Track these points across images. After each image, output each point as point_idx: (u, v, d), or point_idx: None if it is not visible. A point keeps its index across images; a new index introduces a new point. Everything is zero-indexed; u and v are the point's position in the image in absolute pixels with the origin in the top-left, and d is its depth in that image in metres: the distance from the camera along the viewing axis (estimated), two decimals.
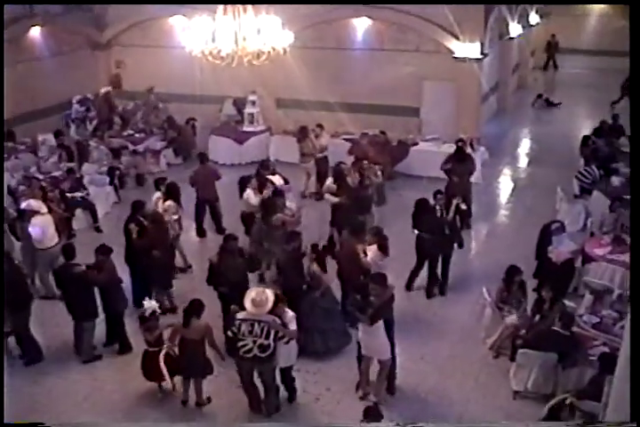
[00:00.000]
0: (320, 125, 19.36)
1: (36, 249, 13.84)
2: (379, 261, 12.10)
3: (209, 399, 10.86)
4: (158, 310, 10.86)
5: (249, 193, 14.96)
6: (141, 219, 13.44)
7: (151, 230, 13.19)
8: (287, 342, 10.12)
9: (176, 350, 10.65)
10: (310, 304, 11.56)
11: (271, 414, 10.54)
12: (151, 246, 13.00)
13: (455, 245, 14.15)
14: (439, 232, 13.57)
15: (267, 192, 14.70)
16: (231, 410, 10.73)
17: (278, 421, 10.42)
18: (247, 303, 9.97)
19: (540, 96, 29.15)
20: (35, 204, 14.03)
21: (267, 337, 9.87)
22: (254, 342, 9.90)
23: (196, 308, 10.49)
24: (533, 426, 9.68)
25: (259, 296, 9.96)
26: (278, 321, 10.02)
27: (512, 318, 11.62)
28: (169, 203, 14.35)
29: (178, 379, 10.82)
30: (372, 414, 8.67)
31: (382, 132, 19.77)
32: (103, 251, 11.92)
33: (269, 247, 13.40)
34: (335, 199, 15.08)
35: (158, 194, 14.87)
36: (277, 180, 15.43)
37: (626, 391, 5.90)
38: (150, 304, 10.83)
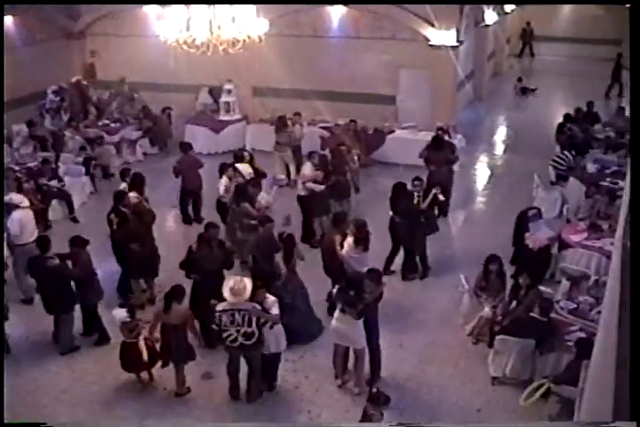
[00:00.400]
0: (298, 113, 19.33)
1: (14, 245, 13.60)
2: (353, 255, 11.97)
3: (188, 389, 10.85)
4: (127, 319, 10.74)
5: (221, 181, 14.91)
6: (123, 209, 13.34)
7: (131, 222, 13.09)
8: (271, 327, 10.13)
9: (156, 335, 10.64)
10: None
11: (253, 400, 10.56)
12: (130, 238, 12.91)
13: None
14: (413, 218, 13.61)
15: (235, 181, 14.64)
16: (210, 398, 10.72)
17: (258, 408, 10.43)
18: (226, 293, 9.98)
19: (520, 80, 29.22)
20: (16, 197, 13.89)
21: (249, 325, 9.89)
22: (238, 331, 9.93)
23: (177, 293, 10.49)
24: (538, 426, 9.76)
25: (236, 285, 9.97)
26: (259, 307, 10.02)
27: (487, 311, 11.66)
28: (132, 194, 14.26)
29: (157, 368, 10.82)
30: (378, 398, 8.66)
31: (352, 121, 19.66)
32: (78, 243, 11.84)
33: (242, 236, 13.39)
34: (321, 187, 14.92)
35: (124, 184, 14.78)
36: (245, 168, 15.29)
37: (602, 376, 5.94)
38: (119, 313, 10.85)
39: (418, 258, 14.13)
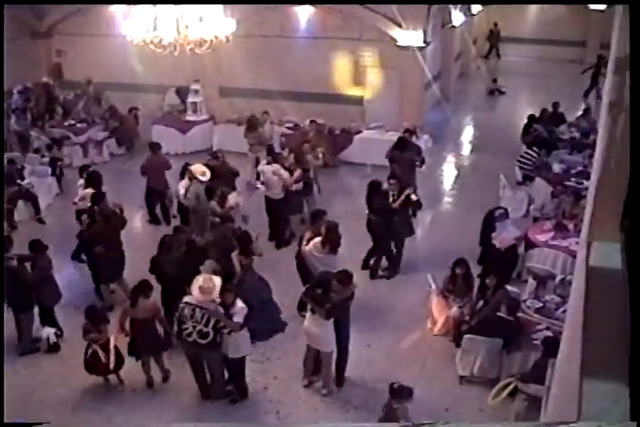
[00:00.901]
0: (266, 112, 19.36)
1: None
2: (316, 254, 11.93)
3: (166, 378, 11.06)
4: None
5: (181, 183, 14.90)
6: (96, 211, 13.29)
7: (97, 225, 13.00)
8: (229, 333, 10.06)
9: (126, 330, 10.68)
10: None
11: (217, 399, 10.58)
12: (95, 241, 12.84)
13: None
14: (387, 216, 13.66)
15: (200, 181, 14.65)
16: (179, 398, 10.69)
17: (225, 409, 10.42)
18: (194, 290, 9.98)
19: (495, 80, 29.35)
20: None
21: (206, 324, 9.90)
22: (194, 327, 9.96)
23: (142, 288, 10.57)
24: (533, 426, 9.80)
25: (206, 283, 9.98)
26: (221, 311, 9.98)
27: (454, 311, 11.73)
28: (87, 191, 14.18)
29: (125, 369, 10.78)
30: (401, 392, 8.75)
31: (313, 121, 19.64)
32: (36, 247, 11.78)
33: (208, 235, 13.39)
34: (299, 186, 15.15)
35: (81, 181, 14.71)
36: (197, 168, 15.01)
37: (568, 374, 5.99)
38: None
39: (389, 257, 14.22)
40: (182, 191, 14.73)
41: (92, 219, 13.11)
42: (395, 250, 14.30)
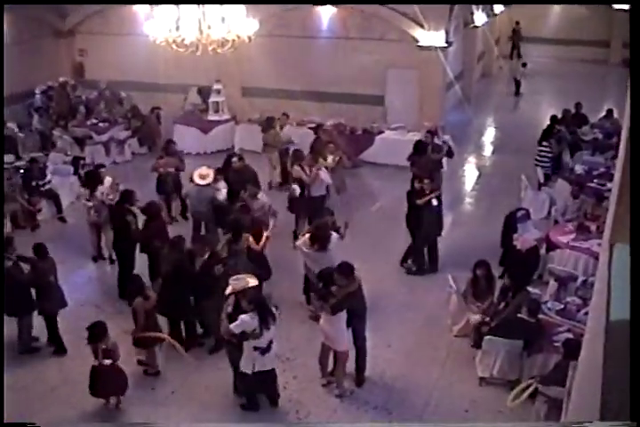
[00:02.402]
0: (285, 115, 19.33)
1: None
2: (305, 250, 11.95)
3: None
4: None
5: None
6: (132, 208, 13.33)
7: (153, 221, 13.07)
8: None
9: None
10: None
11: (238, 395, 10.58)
12: (153, 236, 12.79)
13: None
14: (417, 213, 13.94)
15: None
16: (197, 398, 10.73)
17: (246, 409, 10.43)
18: (231, 282, 10.00)
19: (517, 81, 29.32)
20: None
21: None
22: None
23: (136, 286, 10.94)
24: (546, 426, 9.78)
25: (236, 280, 9.96)
26: (228, 310, 9.90)
27: (475, 312, 11.67)
28: (82, 190, 14.27)
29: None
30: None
31: (318, 125, 19.67)
32: (38, 251, 11.57)
33: None
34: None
35: (108, 179, 14.80)
36: (199, 172, 14.81)
37: (589, 376, 5.96)
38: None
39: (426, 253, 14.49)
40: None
41: (134, 216, 13.13)
42: (426, 248, 14.40)
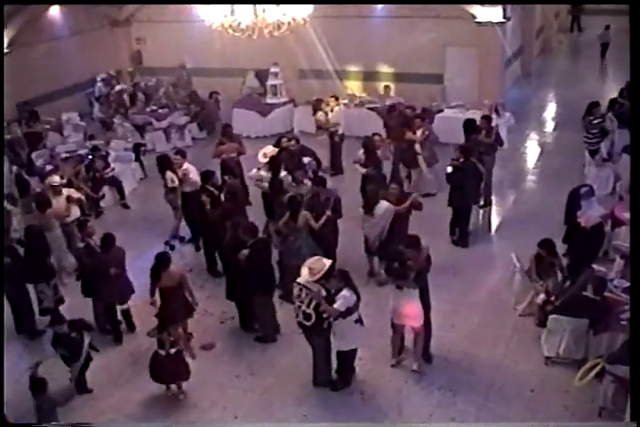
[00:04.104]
0: (335, 97, 19.23)
1: (67, 225, 13.88)
2: (361, 213, 12.99)
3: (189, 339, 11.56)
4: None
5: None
6: (212, 189, 13.44)
7: (227, 201, 13.22)
8: (331, 319, 9.88)
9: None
10: None
11: (316, 384, 10.58)
12: (227, 216, 12.73)
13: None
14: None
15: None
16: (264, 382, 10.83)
17: (311, 390, 10.49)
18: (304, 269, 10.02)
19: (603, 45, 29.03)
20: (56, 179, 14.18)
21: (308, 305, 9.88)
22: (299, 307, 10.00)
23: (160, 262, 10.95)
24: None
25: (313, 264, 9.99)
26: (323, 294, 9.85)
27: (539, 291, 11.53)
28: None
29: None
30: None
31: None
32: (103, 243, 11.66)
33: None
34: (363, 170, 14.99)
35: (187, 165, 14.83)
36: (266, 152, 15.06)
37: None
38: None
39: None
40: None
41: (212, 197, 13.21)
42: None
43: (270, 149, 14.97)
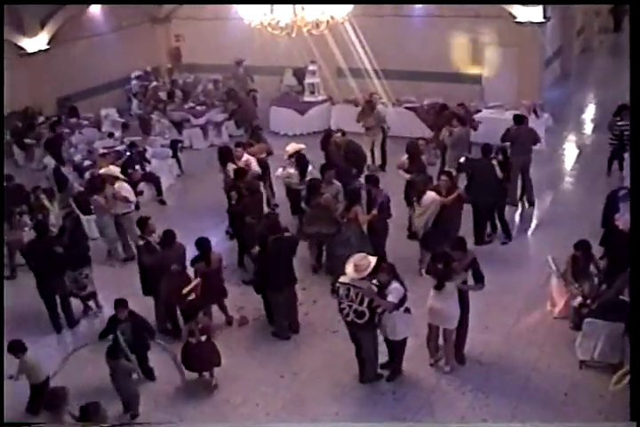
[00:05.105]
0: (375, 93, 19.41)
1: (118, 216, 14.20)
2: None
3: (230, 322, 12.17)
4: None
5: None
6: (242, 186, 13.67)
7: (245, 198, 13.44)
8: (382, 313, 9.96)
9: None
10: None
11: (365, 381, 10.61)
12: (245, 213, 13.19)
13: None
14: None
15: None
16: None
17: (342, 390, 10.49)
18: (349, 268, 10.01)
19: None
20: (114, 169, 14.46)
21: (360, 303, 9.88)
22: (350, 306, 9.98)
23: (203, 249, 11.49)
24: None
25: (359, 261, 9.98)
26: (375, 289, 9.89)
27: (575, 294, 11.44)
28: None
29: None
30: None
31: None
32: (164, 239, 11.80)
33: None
34: (407, 176, 14.59)
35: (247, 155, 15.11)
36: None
37: None
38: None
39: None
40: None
41: (239, 193, 13.45)
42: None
43: (294, 147, 15.04)
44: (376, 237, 12.87)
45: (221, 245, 14.33)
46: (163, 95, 22.53)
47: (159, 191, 17.52)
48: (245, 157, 15.04)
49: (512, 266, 13.71)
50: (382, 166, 18.28)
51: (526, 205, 15.93)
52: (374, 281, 10.01)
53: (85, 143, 19.11)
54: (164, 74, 24.94)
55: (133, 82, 23.45)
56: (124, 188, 14.19)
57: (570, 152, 19.93)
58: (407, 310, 10.14)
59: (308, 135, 20.65)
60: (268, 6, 12.04)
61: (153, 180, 17.45)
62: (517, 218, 15.62)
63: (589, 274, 11.63)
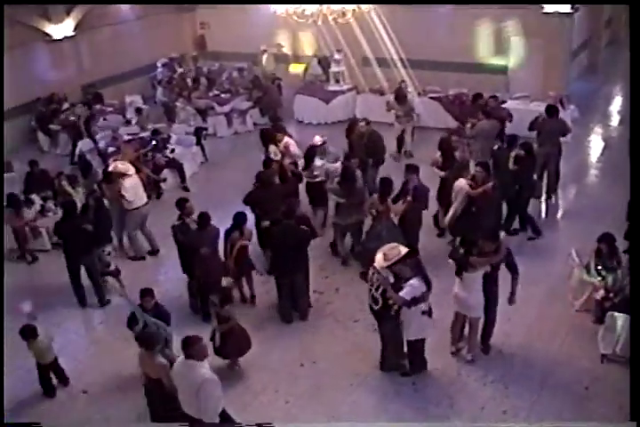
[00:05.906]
0: (404, 81, 19.45)
1: (126, 210, 14.10)
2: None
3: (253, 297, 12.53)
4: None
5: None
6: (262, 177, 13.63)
7: (257, 190, 13.50)
8: (394, 305, 9.86)
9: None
10: None
11: (385, 370, 10.64)
12: (255, 203, 13.40)
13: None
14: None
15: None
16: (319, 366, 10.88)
17: (363, 380, 10.50)
18: (379, 255, 9.96)
19: None
20: (122, 166, 14.24)
21: (376, 290, 9.90)
22: (369, 290, 10.05)
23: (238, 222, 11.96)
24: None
25: (388, 250, 9.91)
26: (391, 280, 9.79)
27: (598, 287, 11.38)
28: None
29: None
30: None
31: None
32: (200, 221, 11.93)
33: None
34: (441, 173, 14.27)
35: (274, 148, 15.12)
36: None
37: None
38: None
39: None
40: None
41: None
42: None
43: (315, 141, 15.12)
44: (409, 229, 12.68)
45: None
46: (189, 82, 22.58)
47: (183, 178, 17.58)
48: (285, 139, 15.36)
49: (536, 258, 13.61)
50: (409, 153, 18.40)
51: (546, 196, 15.78)
52: (397, 272, 9.87)
53: (110, 130, 19.19)
54: (188, 61, 24.97)
55: (159, 69, 23.50)
56: (124, 186, 14.06)
57: (595, 144, 19.81)
58: (426, 313, 9.95)
59: (333, 124, 20.62)
60: None
61: (177, 166, 17.50)
62: (543, 210, 15.53)
63: (613, 267, 11.56)
